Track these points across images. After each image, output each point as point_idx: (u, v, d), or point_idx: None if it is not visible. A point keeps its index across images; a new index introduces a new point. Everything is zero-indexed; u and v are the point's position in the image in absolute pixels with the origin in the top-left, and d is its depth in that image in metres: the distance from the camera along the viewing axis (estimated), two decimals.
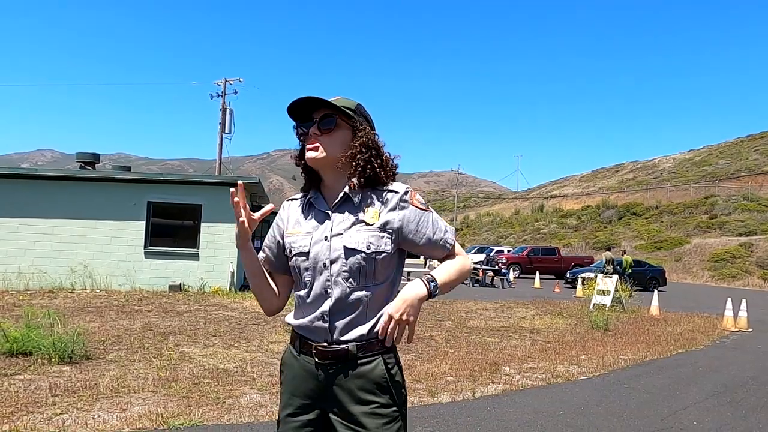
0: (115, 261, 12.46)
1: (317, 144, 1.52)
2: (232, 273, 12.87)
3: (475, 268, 20.42)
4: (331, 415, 1.52)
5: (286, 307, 1.69)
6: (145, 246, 12.66)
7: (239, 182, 1.51)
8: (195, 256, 12.82)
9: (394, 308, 1.46)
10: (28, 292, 11.53)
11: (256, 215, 1.51)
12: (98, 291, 12.00)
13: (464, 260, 1.60)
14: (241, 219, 1.48)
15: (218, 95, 26.49)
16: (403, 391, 1.55)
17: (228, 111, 26.03)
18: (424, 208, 1.56)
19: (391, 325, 1.46)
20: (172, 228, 13.19)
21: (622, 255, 19.06)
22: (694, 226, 37.27)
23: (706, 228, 36.56)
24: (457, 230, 55.85)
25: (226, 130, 25.96)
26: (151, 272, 12.58)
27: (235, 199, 1.46)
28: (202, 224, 12.85)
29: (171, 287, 12.35)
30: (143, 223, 12.69)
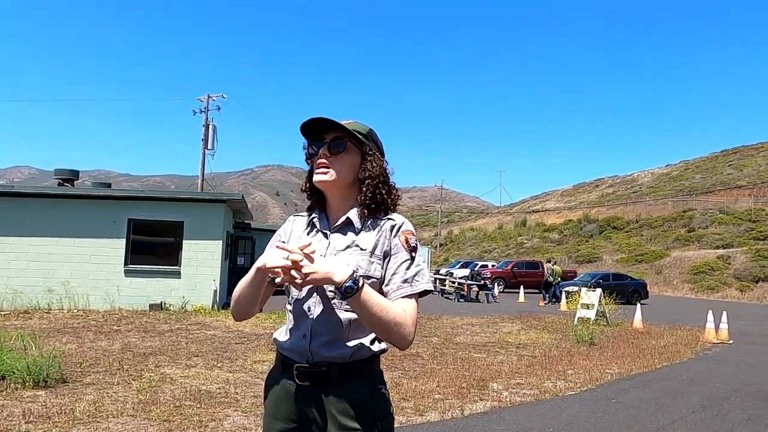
0: (94, 280, 12.17)
1: (326, 166, 1.51)
2: (215, 291, 12.66)
3: (460, 284, 20.53)
4: None
5: (273, 324, 1.64)
6: (125, 264, 12.41)
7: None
8: (176, 274, 12.60)
9: (315, 261, 1.32)
10: (2, 312, 11.18)
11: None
12: (75, 311, 11.69)
13: (404, 317, 1.39)
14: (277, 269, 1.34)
15: (201, 111, 26.39)
16: (388, 418, 1.49)
17: (211, 127, 25.92)
18: (407, 248, 1.49)
19: (290, 262, 1.29)
20: (153, 245, 12.95)
21: (553, 265, 20.76)
22: (673, 239, 37.89)
23: (684, 241, 37.18)
24: (441, 245, 55.97)
25: (209, 146, 25.82)
26: (132, 291, 12.32)
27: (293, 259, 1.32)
28: (183, 241, 12.66)
29: (152, 306, 12.10)
30: (123, 241, 12.45)
